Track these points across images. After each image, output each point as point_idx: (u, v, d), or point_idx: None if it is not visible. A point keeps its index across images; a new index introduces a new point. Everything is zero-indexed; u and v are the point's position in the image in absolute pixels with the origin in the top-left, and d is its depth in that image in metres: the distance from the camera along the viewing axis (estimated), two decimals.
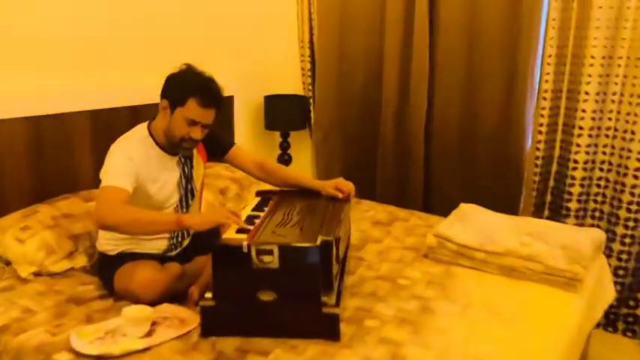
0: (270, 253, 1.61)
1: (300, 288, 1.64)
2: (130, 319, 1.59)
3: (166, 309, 1.77)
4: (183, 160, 2.05)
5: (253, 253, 1.61)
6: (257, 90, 3.47)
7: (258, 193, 2.16)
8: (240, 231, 1.72)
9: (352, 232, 2.42)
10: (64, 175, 2.38)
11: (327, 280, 1.65)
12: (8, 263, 2.03)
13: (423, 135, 3.08)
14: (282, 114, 3.44)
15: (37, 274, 1.99)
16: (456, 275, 2.06)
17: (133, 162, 1.86)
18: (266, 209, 1.93)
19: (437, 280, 2.01)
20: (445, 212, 2.46)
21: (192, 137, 1.91)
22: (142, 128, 1.99)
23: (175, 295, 1.83)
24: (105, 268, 1.98)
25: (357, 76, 3.26)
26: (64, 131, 2.37)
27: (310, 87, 3.48)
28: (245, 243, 1.61)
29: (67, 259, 2.07)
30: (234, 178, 2.78)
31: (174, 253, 2.07)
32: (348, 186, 2.07)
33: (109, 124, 2.48)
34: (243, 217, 1.83)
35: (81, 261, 2.10)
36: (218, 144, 2.17)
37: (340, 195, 2.05)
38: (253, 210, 1.94)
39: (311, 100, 3.49)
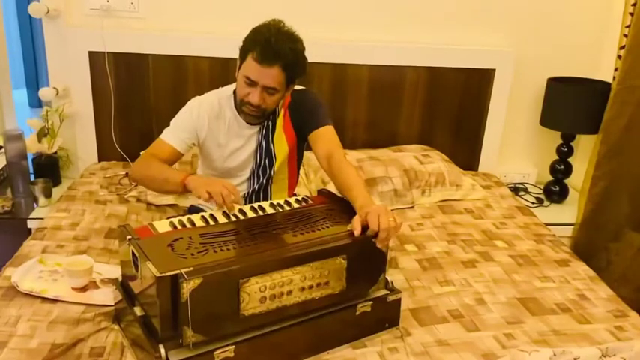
0: (137, 259, 1.25)
1: (149, 321, 1.24)
2: (66, 268, 1.55)
3: None
4: (264, 132, 1.75)
5: (130, 252, 1.29)
6: (537, 67, 2.54)
7: (319, 191, 1.66)
8: (204, 218, 1.40)
9: None
10: None
11: (175, 326, 1.17)
12: None
13: None
14: (570, 106, 2.42)
15: (138, 200, 2.13)
16: None
17: (192, 117, 1.71)
18: (272, 211, 1.48)
19: None
20: None
21: (249, 100, 1.61)
22: (230, 87, 1.78)
23: None
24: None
25: None
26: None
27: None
28: (129, 236, 1.30)
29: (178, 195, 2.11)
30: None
31: None
32: (380, 223, 1.33)
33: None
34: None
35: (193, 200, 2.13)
36: (305, 119, 1.74)
37: (356, 232, 1.35)
38: (276, 206, 1.51)
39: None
